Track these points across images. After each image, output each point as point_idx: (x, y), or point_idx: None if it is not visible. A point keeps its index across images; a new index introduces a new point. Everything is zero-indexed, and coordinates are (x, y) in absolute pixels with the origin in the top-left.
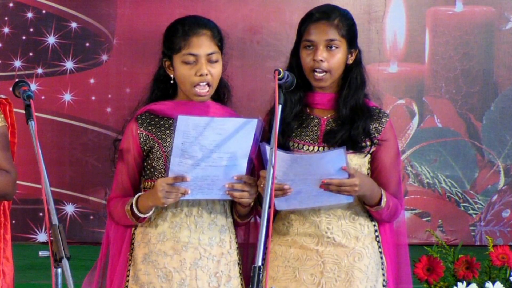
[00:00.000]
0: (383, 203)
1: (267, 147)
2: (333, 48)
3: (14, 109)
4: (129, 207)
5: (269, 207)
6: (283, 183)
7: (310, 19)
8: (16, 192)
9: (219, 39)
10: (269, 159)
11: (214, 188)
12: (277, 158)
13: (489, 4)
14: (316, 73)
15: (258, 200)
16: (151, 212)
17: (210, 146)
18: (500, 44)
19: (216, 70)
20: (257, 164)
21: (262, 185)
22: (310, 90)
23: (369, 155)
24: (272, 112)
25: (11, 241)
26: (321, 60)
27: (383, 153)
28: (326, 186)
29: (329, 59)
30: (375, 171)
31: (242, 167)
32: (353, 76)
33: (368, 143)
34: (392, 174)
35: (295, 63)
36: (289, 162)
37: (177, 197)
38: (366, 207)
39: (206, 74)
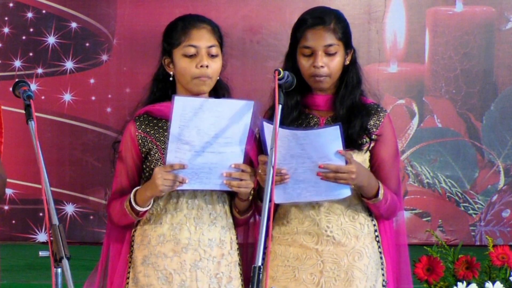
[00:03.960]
0: (380, 195)
1: (266, 124)
2: (332, 53)
3: (14, 109)
4: (128, 203)
5: (269, 207)
6: (280, 167)
7: (305, 24)
8: (5, 194)
9: (219, 35)
10: (269, 159)
11: (211, 177)
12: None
13: (489, 4)
14: (316, 78)
15: (258, 195)
16: (149, 206)
17: (207, 130)
18: (500, 44)
19: (216, 64)
20: (256, 163)
21: (260, 171)
22: (308, 92)
23: (368, 152)
24: (271, 111)
25: None
26: (321, 66)
27: (382, 148)
28: (323, 175)
29: (329, 64)
30: (373, 166)
31: (239, 154)
32: (349, 76)
33: (367, 139)
34: (391, 169)
35: (290, 66)
36: (286, 140)
37: (175, 184)
38: (364, 200)
39: (207, 66)
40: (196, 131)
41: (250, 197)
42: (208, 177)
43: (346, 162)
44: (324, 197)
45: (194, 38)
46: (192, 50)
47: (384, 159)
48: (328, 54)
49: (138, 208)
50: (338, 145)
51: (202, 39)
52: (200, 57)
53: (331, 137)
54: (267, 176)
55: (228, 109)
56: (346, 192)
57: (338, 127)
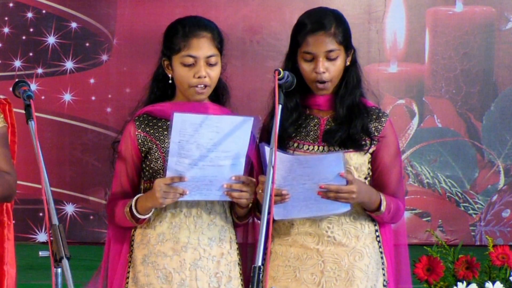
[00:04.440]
0: (383, 208)
1: (267, 148)
2: (333, 58)
3: (14, 109)
4: (128, 209)
5: (269, 206)
6: (281, 188)
7: (305, 29)
8: (17, 193)
9: (219, 41)
10: (268, 160)
11: (212, 188)
12: (277, 160)
13: (489, 4)
14: (318, 84)
15: (257, 207)
16: (150, 214)
17: (207, 145)
18: (500, 44)
19: (214, 72)
20: (256, 164)
21: (260, 191)
22: (308, 92)
23: (369, 154)
24: (271, 114)
25: (13, 241)
26: (323, 72)
27: (384, 152)
28: (324, 193)
29: (330, 69)
30: (376, 171)
31: (240, 166)
32: (349, 76)
33: (368, 141)
34: (393, 173)
35: (290, 68)
36: (288, 164)
37: (175, 197)
38: (367, 212)
39: (205, 77)
40: (196, 145)
41: (250, 205)
42: (208, 188)
43: (347, 182)
44: (323, 212)
45: (194, 48)
46: (190, 60)
47: (386, 162)
48: (329, 59)
49: (138, 215)
50: (340, 169)
51: (202, 49)
52: (198, 67)
53: (333, 163)
54: (267, 176)
55: (228, 125)
56: (346, 207)
57: (340, 154)
